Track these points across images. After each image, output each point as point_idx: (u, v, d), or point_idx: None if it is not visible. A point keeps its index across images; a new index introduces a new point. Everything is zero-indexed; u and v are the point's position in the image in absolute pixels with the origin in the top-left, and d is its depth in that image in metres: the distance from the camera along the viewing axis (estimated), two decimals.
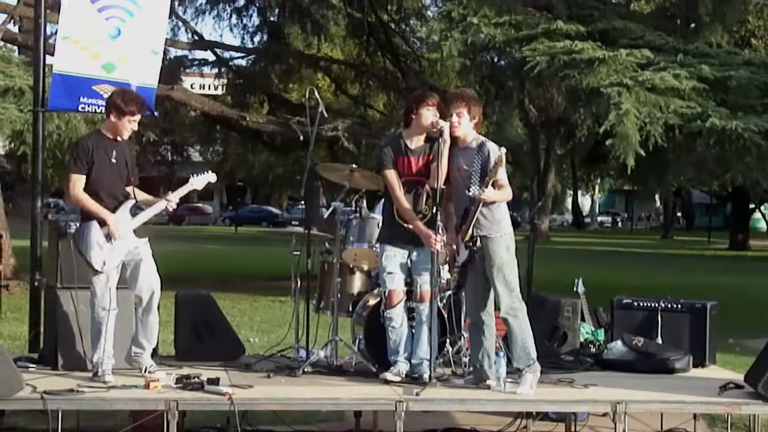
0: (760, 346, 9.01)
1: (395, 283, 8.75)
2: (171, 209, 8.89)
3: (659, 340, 9.91)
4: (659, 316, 9.98)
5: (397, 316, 8.75)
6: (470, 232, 8.46)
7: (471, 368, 8.84)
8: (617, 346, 9.77)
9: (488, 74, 23.18)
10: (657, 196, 74.25)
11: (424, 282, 8.71)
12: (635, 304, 10.18)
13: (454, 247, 8.63)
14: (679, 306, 10.08)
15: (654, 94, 16.70)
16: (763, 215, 67.67)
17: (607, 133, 16.48)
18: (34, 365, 8.95)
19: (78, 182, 8.54)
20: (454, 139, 8.61)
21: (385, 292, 8.84)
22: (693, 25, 21.00)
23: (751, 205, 58.82)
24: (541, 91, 22.02)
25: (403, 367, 8.69)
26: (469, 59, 20.88)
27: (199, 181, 9.07)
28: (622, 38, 18.48)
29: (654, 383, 8.87)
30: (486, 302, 8.70)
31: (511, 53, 19.23)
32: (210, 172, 9.22)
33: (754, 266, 39.17)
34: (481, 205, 8.36)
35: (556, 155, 53.27)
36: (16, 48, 23.43)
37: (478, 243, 8.51)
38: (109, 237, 8.45)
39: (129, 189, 8.72)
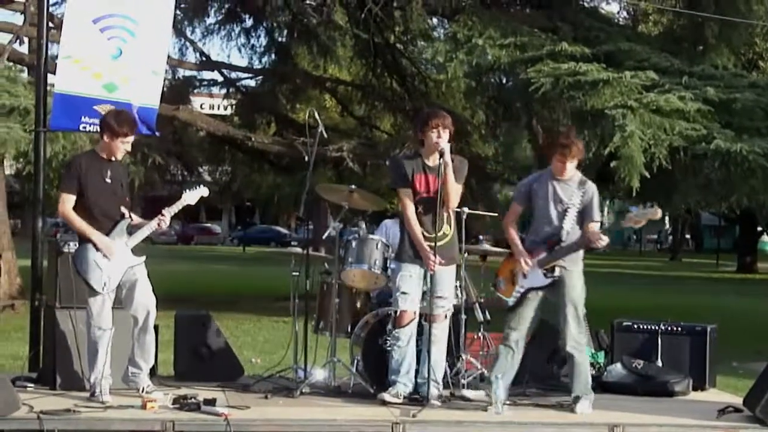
0: (762, 369, 8.96)
1: (408, 304, 8.73)
2: (164, 226, 8.86)
3: (659, 363, 9.90)
4: (659, 339, 9.97)
5: (405, 336, 8.73)
6: (556, 262, 8.62)
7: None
8: (617, 368, 9.76)
9: (495, 95, 23.21)
10: (666, 218, 74.18)
11: (440, 303, 8.72)
12: (635, 326, 10.17)
13: (526, 267, 8.70)
14: (680, 329, 10.07)
15: (659, 116, 16.69)
16: None
17: (611, 154, 16.48)
18: (32, 384, 8.97)
19: (67, 201, 8.56)
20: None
21: (396, 312, 8.81)
22: (700, 47, 21.01)
23: (759, 228, 58.66)
24: (547, 113, 21.96)
25: (402, 388, 8.68)
26: (475, 80, 20.92)
27: (192, 197, 9.07)
28: (627, 60, 18.47)
29: (653, 406, 8.86)
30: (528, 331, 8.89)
31: (516, 74, 19.25)
32: (203, 186, 9.22)
33: (762, 289, 38.97)
34: (579, 243, 8.58)
35: None
36: (25, 68, 23.47)
37: (556, 272, 8.63)
38: (106, 257, 8.45)
39: (124, 209, 8.72)
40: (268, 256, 46.88)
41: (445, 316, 8.81)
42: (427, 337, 8.72)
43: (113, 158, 8.72)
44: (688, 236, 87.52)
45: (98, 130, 10.25)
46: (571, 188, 8.67)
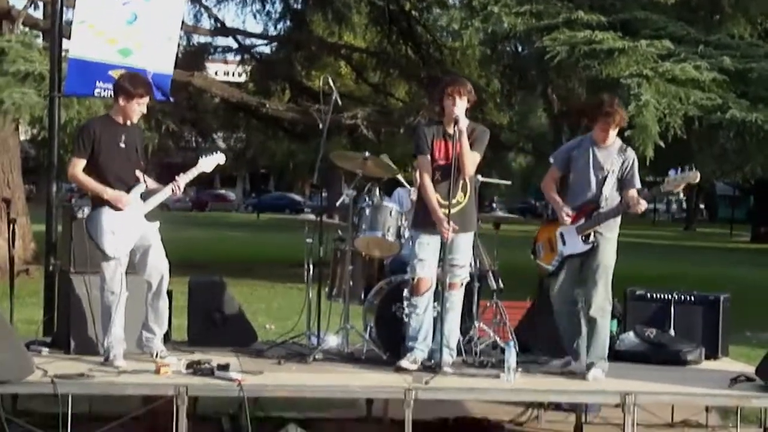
0: None
1: (425, 271, 8.70)
2: (179, 192, 8.81)
3: (672, 332, 9.89)
4: (672, 308, 9.96)
5: (423, 304, 8.72)
6: (594, 228, 8.66)
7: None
8: (630, 337, 9.75)
9: (510, 63, 23.16)
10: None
11: (456, 271, 8.73)
12: (648, 295, 10.15)
13: (567, 220, 8.77)
14: (692, 298, 10.05)
15: (674, 85, 16.64)
16: None
17: (627, 123, 16.42)
18: (46, 349, 8.99)
19: (77, 165, 8.50)
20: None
21: (413, 279, 8.79)
22: (717, 17, 20.90)
23: None
24: (562, 82, 21.92)
25: (419, 354, 8.69)
26: (490, 48, 20.87)
27: (208, 163, 8.98)
28: (643, 29, 18.38)
29: (665, 375, 8.86)
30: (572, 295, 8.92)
31: (532, 43, 19.19)
32: (219, 153, 9.17)
33: None
34: (620, 209, 8.63)
35: None
36: (40, 34, 23.47)
37: (592, 238, 8.67)
38: (119, 221, 8.45)
39: (139, 174, 8.69)
40: (282, 223, 46.97)
41: (461, 284, 8.81)
42: (442, 305, 8.73)
43: (128, 122, 8.64)
44: (702, 206, 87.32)
45: (111, 95, 10.30)
46: (612, 155, 8.71)
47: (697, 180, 8.53)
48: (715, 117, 16.53)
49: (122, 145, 8.59)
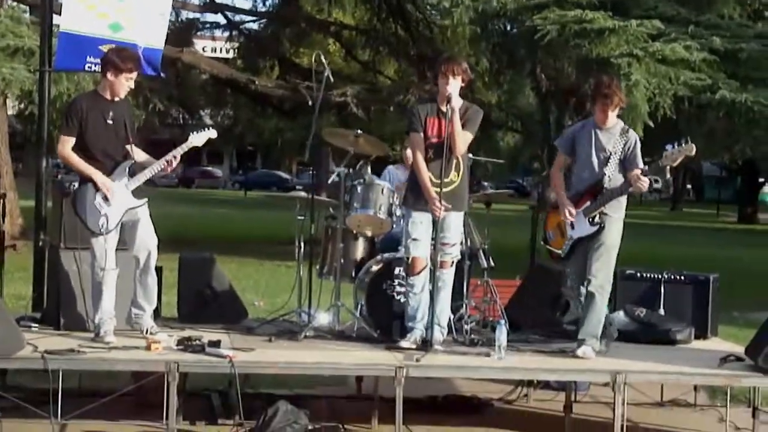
0: (764, 319, 8.99)
1: (420, 251, 8.70)
2: (170, 169, 8.74)
3: (662, 312, 9.90)
4: (662, 287, 9.97)
5: (419, 283, 8.71)
6: (600, 210, 8.71)
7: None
8: (620, 316, 9.75)
9: (499, 42, 23.09)
10: (667, 168, 74.04)
11: (447, 249, 8.72)
12: (638, 275, 10.16)
13: (570, 218, 8.79)
14: (682, 278, 10.06)
15: (664, 65, 16.70)
16: None
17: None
18: (36, 325, 8.97)
19: (66, 142, 8.47)
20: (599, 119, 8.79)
21: (408, 259, 8.80)
22: None
23: (761, 179, 58.62)
24: (551, 61, 21.90)
25: (418, 334, 8.68)
26: (480, 27, 20.82)
27: (199, 138, 8.87)
28: (634, 8, 18.41)
29: (655, 354, 8.87)
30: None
31: (522, 21, 19.16)
32: (211, 128, 9.09)
33: (762, 240, 39.10)
34: (622, 189, 8.70)
35: (566, 125, 53.02)
36: (27, 8, 23.37)
37: (598, 219, 8.73)
38: (104, 198, 8.44)
39: (128, 148, 8.64)
40: (269, 200, 46.89)
41: (452, 263, 8.80)
42: (434, 283, 8.73)
43: (116, 98, 8.59)
44: (689, 186, 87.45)
45: (100, 70, 10.27)
46: (614, 136, 8.74)
47: (693, 152, 8.55)
48: (705, 97, 16.59)
49: (110, 121, 8.54)
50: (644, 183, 8.60)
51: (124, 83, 8.56)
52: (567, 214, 8.78)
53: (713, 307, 10.05)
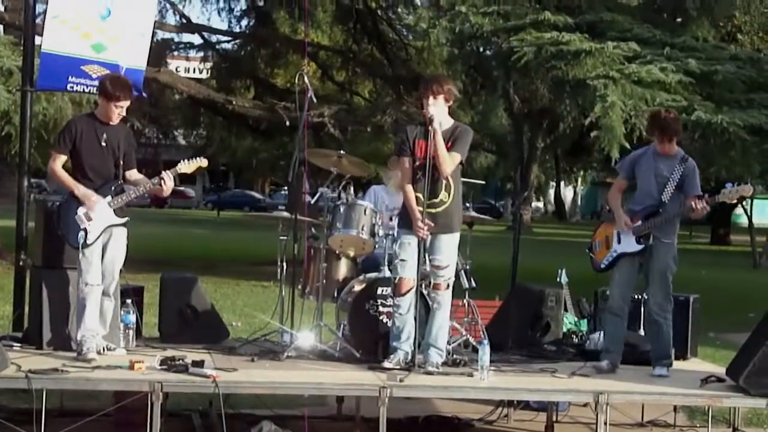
0: (739, 340, 9.07)
1: (406, 272, 8.66)
2: (166, 189, 8.78)
3: (642, 332, 9.95)
4: (642, 308, 10.01)
5: (405, 303, 8.67)
6: (649, 231, 9.02)
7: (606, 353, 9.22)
8: (600, 336, 9.80)
9: (474, 64, 23.21)
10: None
11: (438, 272, 8.71)
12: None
13: (626, 227, 9.09)
14: None
15: (640, 87, 16.80)
16: (745, 210, 67.50)
17: (592, 125, 16.56)
18: (18, 344, 8.95)
19: (57, 159, 8.64)
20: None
21: (395, 279, 8.79)
22: (680, 19, 21.07)
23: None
24: (526, 82, 22.04)
25: (402, 355, 8.66)
26: (456, 48, 20.93)
27: (189, 166, 8.98)
28: (609, 30, 18.53)
29: (636, 374, 8.92)
30: (630, 296, 9.34)
31: (497, 43, 19.29)
32: (202, 158, 9.19)
33: (735, 261, 39.29)
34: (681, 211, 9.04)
35: (539, 147, 53.23)
36: (1, 27, 23.33)
37: (651, 241, 9.02)
38: (87, 214, 8.51)
39: (121, 171, 8.75)
40: (242, 220, 46.89)
41: (447, 286, 8.77)
42: (428, 305, 8.79)
43: (110, 122, 8.72)
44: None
45: (84, 89, 10.35)
46: (674, 164, 9.04)
47: (750, 192, 8.96)
48: (681, 119, 16.61)
49: (103, 143, 8.69)
50: (705, 208, 8.86)
51: (114, 110, 8.68)
52: (624, 224, 9.08)
53: (693, 328, 10.12)
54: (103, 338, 8.75)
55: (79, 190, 8.54)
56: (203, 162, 9.13)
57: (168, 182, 8.74)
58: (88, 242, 8.51)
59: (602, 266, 9.35)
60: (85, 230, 8.50)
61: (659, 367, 9.00)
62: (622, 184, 9.46)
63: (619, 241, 9.15)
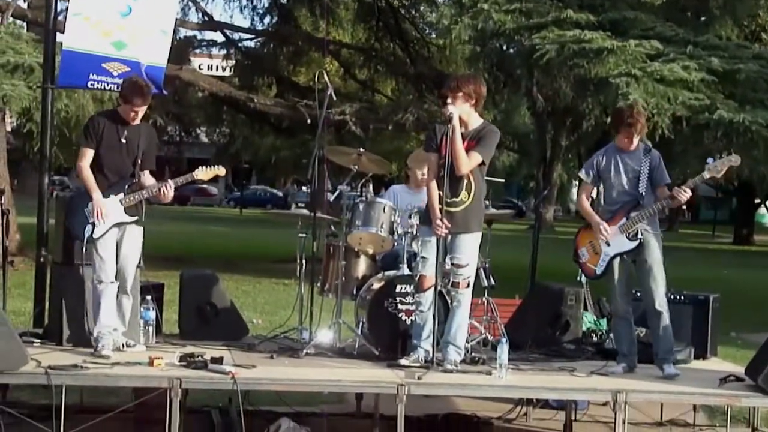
0: (761, 339, 9.02)
1: (428, 269, 8.66)
2: (165, 197, 8.85)
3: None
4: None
5: (426, 301, 8.66)
6: (637, 226, 8.91)
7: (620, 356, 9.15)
8: None
9: (497, 62, 23.17)
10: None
11: (458, 270, 8.68)
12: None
13: (605, 236, 8.96)
14: (682, 298, 10.09)
15: (662, 85, 16.72)
16: None
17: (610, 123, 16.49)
18: (38, 340, 9.00)
19: (85, 155, 8.67)
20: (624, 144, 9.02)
21: (416, 276, 8.80)
22: (703, 18, 21.00)
23: (757, 200, 58.63)
24: (549, 80, 21.97)
25: (422, 353, 8.65)
26: (478, 46, 20.89)
27: (205, 173, 9.06)
28: (632, 29, 18.47)
29: (655, 373, 8.87)
30: (631, 296, 9.25)
31: (520, 41, 19.24)
32: (220, 166, 9.27)
33: (758, 261, 39.15)
34: (663, 203, 8.93)
35: (562, 145, 53.14)
36: (24, 24, 23.42)
37: (639, 235, 8.92)
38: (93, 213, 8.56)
39: (138, 170, 8.79)
40: (265, 218, 46.87)
41: (468, 284, 8.73)
42: (448, 303, 8.79)
43: (129, 122, 8.78)
44: (684, 207, 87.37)
45: (105, 87, 10.40)
46: (639, 157, 8.96)
47: (738, 162, 8.83)
48: (703, 117, 16.63)
49: (123, 140, 8.72)
50: (684, 194, 8.74)
51: (131, 114, 8.74)
52: (603, 232, 8.94)
53: (713, 327, 10.08)
54: (122, 335, 8.79)
55: (95, 196, 8.58)
56: (221, 171, 9.23)
57: (168, 192, 8.80)
58: (94, 236, 8.57)
59: (598, 272, 9.17)
60: (93, 224, 8.56)
61: (667, 366, 8.85)
62: (589, 189, 9.34)
63: (608, 243, 9.00)
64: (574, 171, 76.11)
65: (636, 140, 8.94)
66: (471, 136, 8.66)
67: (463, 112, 8.63)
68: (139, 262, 8.92)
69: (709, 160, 8.75)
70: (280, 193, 79.34)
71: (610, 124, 9.83)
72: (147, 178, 8.89)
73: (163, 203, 9.28)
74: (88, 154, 8.66)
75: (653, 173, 8.91)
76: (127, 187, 8.72)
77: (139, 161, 8.79)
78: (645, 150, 8.99)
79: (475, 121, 8.75)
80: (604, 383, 8.46)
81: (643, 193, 8.88)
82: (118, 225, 8.69)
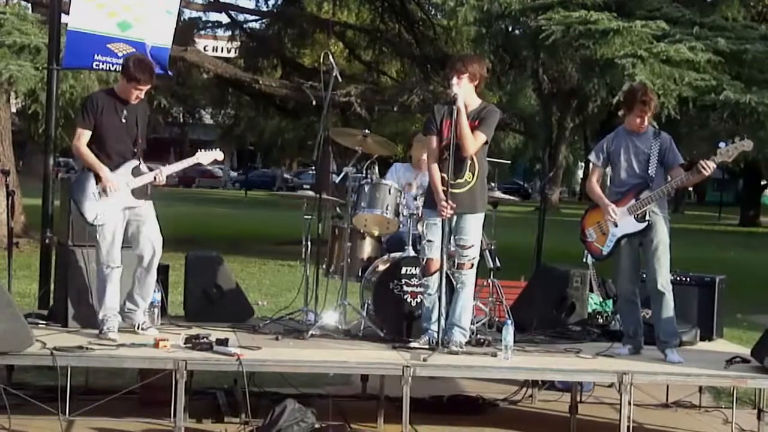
0: (767, 321, 9.00)
1: (434, 252, 8.63)
2: (160, 181, 8.80)
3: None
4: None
5: (434, 284, 8.63)
6: (646, 207, 8.87)
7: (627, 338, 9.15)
8: None
9: (502, 43, 23.11)
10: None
11: (462, 251, 8.68)
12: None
13: (614, 218, 8.94)
14: (688, 279, 10.08)
15: (668, 66, 16.67)
16: None
17: (620, 104, 16.43)
18: (43, 322, 9.00)
19: (82, 136, 8.56)
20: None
21: (423, 259, 8.78)
22: None
23: (763, 182, 58.55)
24: (554, 62, 21.91)
25: (433, 335, 8.62)
26: (484, 27, 20.83)
27: (205, 157, 9.08)
28: (638, 9, 18.41)
29: (660, 355, 8.86)
30: (638, 278, 9.19)
31: (526, 22, 19.18)
32: (218, 149, 9.25)
33: (764, 242, 39.08)
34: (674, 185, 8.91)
35: (567, 127, 53.08)
36: (30, 5, 23.39)
37: (647, 216, 8.89)
38: (103, 191, 8.48)
39: (139, 150, 8.72)
40: (270, 200, 46.95)
41: (472, 265, 8.73)
42: (452, 285, 8.75)
43: (129, 101, 8.69)
44: (690, 188, 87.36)
45: (110, 68, 10.34)
46: (648, 140, 8.91)
47: (751, 147, 8.79)
48: (709, 98, 16.58)
49: (123, 120, 8.63)
50: (710, 166, 8.63)
51: (133, 92, 8.61)
52: (612, 213, 8.92)
53: (719, 309, 10.06)
54: (141, 314, 8.79)
55: (103, 172, 8.49)
56: (219, 155, 9.22)
57: (161, 178, 8.78)
58: (105, 220, 8.51)
59: (604, 253, 9.16)
60: (99, 208, 8.49)
61: (670, 352, 8.81)
62: (600, 173, 9.30)
63: (616, 224, 8.99)
64: (579, 153, 76.28)
65: (647, 121, 8.92)
66: (472, 117, 8.65)
67: (466, 93, 8.61)
68: None
69: (721, 144, 8.71)
70: (286, 175, 79.31)
71: (622, 103, 9.77)
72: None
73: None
74: (85, 136, 8.55)
75: (665, 155, 8.87)
76: (132, 170, 8.65)
77: (139, 140, 8.73)
78: (654, 133, 8.96)
79: (475, 101, 8.74)
80: (610, 365, 8.45)
81: (653, 176, 8.85)
82: (128, 209, 8.64)
